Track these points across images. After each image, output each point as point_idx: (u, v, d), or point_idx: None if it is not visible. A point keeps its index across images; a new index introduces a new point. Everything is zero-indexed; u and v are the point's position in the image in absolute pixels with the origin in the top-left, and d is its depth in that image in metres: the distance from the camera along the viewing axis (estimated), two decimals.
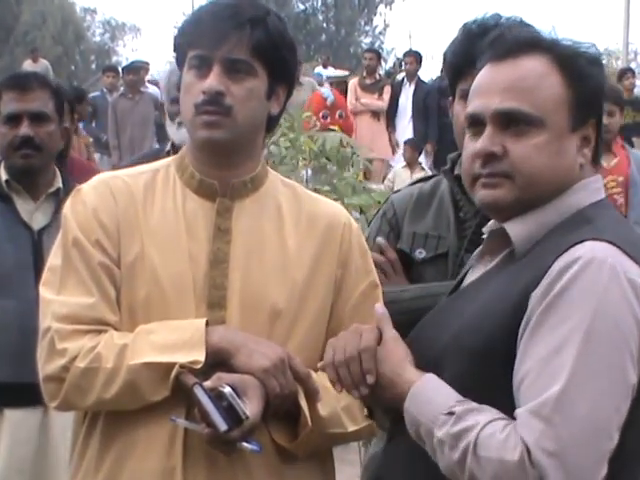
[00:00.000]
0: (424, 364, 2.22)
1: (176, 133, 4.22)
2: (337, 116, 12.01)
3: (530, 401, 2.01)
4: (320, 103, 12.57)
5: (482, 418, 2.04)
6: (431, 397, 2.14)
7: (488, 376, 2.13)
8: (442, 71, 2.92)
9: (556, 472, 1.96)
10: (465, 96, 2.89)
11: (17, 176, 4.10)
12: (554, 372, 2.01)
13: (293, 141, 7.76)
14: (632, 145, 15.41)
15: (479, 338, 2.13)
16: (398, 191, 3.21)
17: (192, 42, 2.54)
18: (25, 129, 4.04)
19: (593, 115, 2.27)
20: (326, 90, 13.03)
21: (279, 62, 2.55)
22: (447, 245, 2.91)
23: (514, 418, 2.03)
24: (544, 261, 2.10)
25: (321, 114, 12.13)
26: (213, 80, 2.47)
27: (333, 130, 9.46)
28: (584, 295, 2.04)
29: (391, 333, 2.28)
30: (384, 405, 2.33)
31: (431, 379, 2.17)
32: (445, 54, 3.07)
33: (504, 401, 2.07)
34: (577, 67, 2.24)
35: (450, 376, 2.16)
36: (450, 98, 3.06)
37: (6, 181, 4.06)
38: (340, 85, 15.18)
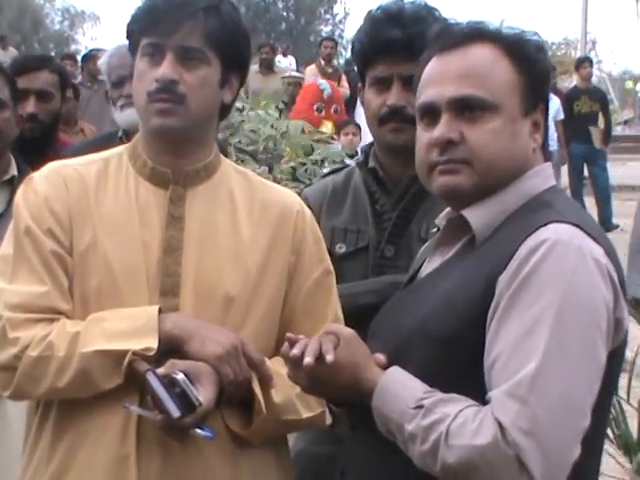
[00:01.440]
0: (387, 356, 2.23)
1: (120, 116, 4.17)
2: (332, 111, 11.84)
3: (503, 382, 2.02)
4: (316, 95, 12.32)
5: (452, 408, 2.05)
6: (398, 392, 2.14)
7: (456, 362, 2.14)
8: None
9: (533, 451, 1.98)
10: (375, 83, 2.93)
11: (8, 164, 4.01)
12: (527, 353, 2.03)
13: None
14: (589, 134, 15.58)
15: (446, 325, 2.14)
16: (310, 184, 3.21)
17: (145, 29, 2.53)
18: (32, 106, 4.02)
19: (541, 100, 2.30)
20: (324, 82, 12.84)
21: (232, 51, 2.55)
22: (367, 238, 2.92)
23: (483, 403, 2.04)
24: (508, 245, 2.12)
25: (315, 107, 11.92)
26: (166, 68, 2.47)
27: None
28: (553, 276, 2.06)
29: (348, 333, 2.27)
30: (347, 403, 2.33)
31: (396, 373, 2.18)
32: (353, 42, 3.09)
33: (472, 387, 2.09)
34: (525, 53, 2.27)
35: (416, 365, 2.17)
36: (360, 85, 3.06)
37: None
38: (296, 86, 15.00)
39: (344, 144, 10.67)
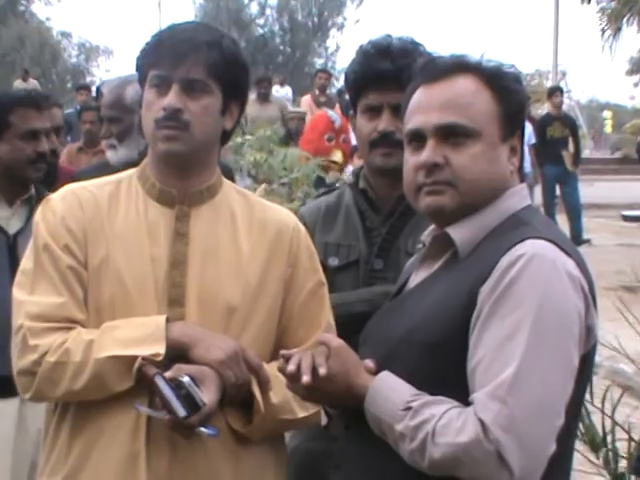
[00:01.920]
0: (377, 361, 2.23)
1: (110, 154, 4.10)
2: (341, 140, 11.81)
3: (485, 385, 2.04)
4: (328, 125, 12.27)
5: (437, 410, 2.06)
6: (388, 395, 2.14)
7: (441, 367, 2.14)
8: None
9: (512, 447, 1.99)
10: (367, 110, 2.93)
11: (28, 186, 4.02)
12: (507, 357, 2.04)
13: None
14: (561, 158, 15.63)
15: (432, 333, 2.15)
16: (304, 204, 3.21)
17: (153, 63, 2.54)
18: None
19: (518, 127, 2.31)
20: (334, 113, 12.76)
21: (232, 81, 2.55)
22: (357, 252, 2.91)
23: (466, 404, 2.05)
24: (489, 259, 2.13)
25: (326, 136, 11.86)
26: (172, 98, 2.47)
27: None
28: (530, 288, 2.07)
29: (337, 343, 2.26)
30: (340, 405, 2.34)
31: (386, 378, 2.18)
32: (346, 74, 3.08)
33: (456, 390, 2.09)
34: (504, 85, 2.28)
35: (405, 370, 2.17)
36: (352, 112, 3.06)
37: None
38: (300, 120, 14.90)
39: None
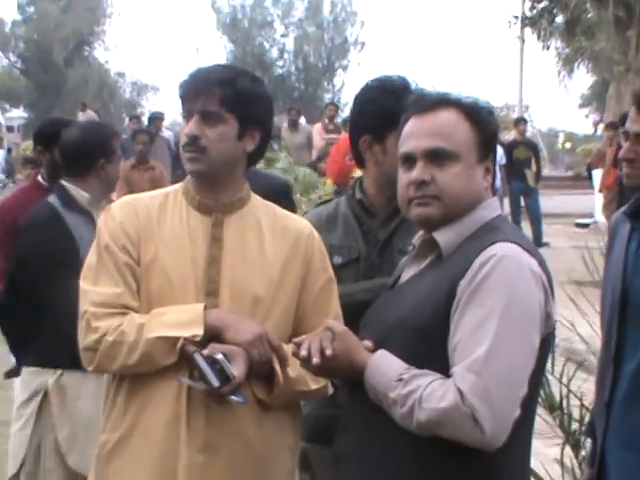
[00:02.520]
0: (375, 342, 2.23)
1: None
2: None
3: (463, 361, 2.06)
4: (349, 148, 12.09)
5: (423, 381, 2.08)
6: (384, 370, 2.15)
7: (427, 347, 2.15)
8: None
9: (485, 411, 2.02)
10: (382, 139, 2.90)
11: None
12: (480, 338, 2.06)
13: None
14: (525, 176, 15.62)
15: (420, 319, 2.16)
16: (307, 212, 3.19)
17: (182, 98, 2.57)
18: None
19: (491, 151, 2.33)
20: None
21: (247, 111, 2.53)
22: (357, 251, 2.90)
23: (447, 377, 2.07)
24: (467, 259, 2.15)
25: (348, 157, 11.75)
26: (191, 126, 2.50)
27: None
28: (499, 282, 2.10)
29: (340, 328, 2.27)
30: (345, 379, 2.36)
31: (382, 355, 2.19)
32: (357, 108, 3.04)
33: (439, 365, 2.11)
34: (480, 117, 2.29)
35: (398, 350, 2.18)
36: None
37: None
38: (330, 146, 14.60)
39: None
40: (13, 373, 3.99)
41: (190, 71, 2.62)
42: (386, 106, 2.90)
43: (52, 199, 3.86)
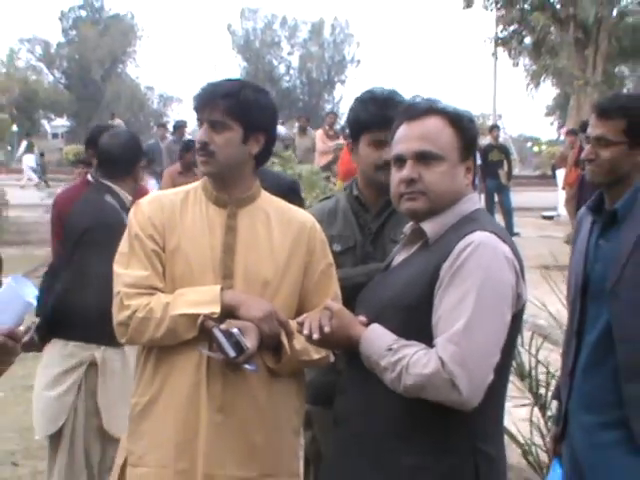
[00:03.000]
0: (369, 317, 2.23)
1: None
2: None
3: (444, 333, 2.07)
4: None
5: (410, 350, 2.09)
6: (376, 341, 2.16)
7: (414, 323, 2.15)
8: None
9: (462, 376, 2.03)
10: (374, 143, 2.85)
11: None
12: (459, 314, 2.07)
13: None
14: (498, 175, 15.60)
15: (409, 297, 2.17)
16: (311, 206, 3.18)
17: (195, 109, 2.56)
18: None
19: (471, 153, 2.31)
20: None
21: (251, 119, 2.50)
22: (354, 240, 2.88)
23: (431, 347, 2.08)
24: (449, 245, 2.15)
25: None
26: (202, 134, 2.50)
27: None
28: (476, 266, 2.10)
29: (337, 307, 2.28)
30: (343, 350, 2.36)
31: (375, 329, 2.19)
32: (350, 116, 2.99)
33: (424, 337, 2.11)
34: (462, 124, 2.27)
35: (389, 324, 2.18)
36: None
37: None
38: (341, 149, 14.46)
39: None
40: (35, 348, 3.92)
41: (202, 85, 2.61)
42: (357, 115, 2.92)
43: (109, 199, 3.88)
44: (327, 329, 2.18)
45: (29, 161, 27.13)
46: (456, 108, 2.32)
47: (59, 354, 3.79)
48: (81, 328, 3.66)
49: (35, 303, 2.01)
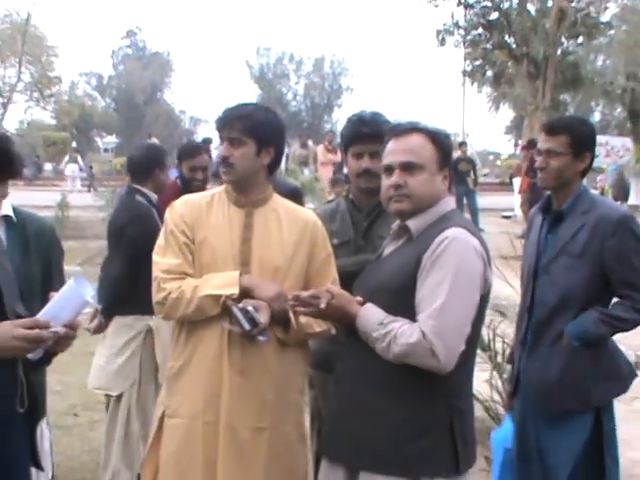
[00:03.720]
0: (364, 298, 2.22)
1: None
2: None
3: (425, 310, 2.07)
4: None
5: (397, 324, 2.09)
6: (369, 317, 2.15)
7: (401, 302, 2.14)
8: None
9: (439, 345, 2.04)
10: (355, 155, 2.84)
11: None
12: (437, 295, 2.07)
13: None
14: (466, 182, 15.55)
15: (396, 282, 2.16)
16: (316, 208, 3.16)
17: (217, 129, 2.56)
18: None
19: (448, 164, 2.30)
20: None
21: (262, 135, 2.49)
22: (349, 236, 2.85)
23: (414, 322, 2.08)
24: (429, 239, 2.14)
25: None
26: (223, 149, 2.50)
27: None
28: (451, 256, 2.09)
29: (337, 290, 2.28)
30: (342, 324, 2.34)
31: (369, 307, 2.19)
32: (341, 133, 2.99)
33: (409, 315, 2.11)
34: (440, 139, 2.27)
35: (379, 304, 2.18)
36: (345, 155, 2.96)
37: None
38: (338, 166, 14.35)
39: None
40: (102, 328, 3.92)
41: (226, 108, 2.59)
42: (345, 132, 2.92)
43: (139, 198, 3.87)
44: (322, 305, 2.19)
45: (71, 170, 27.56)
46: (434, 127, 2.31)
47: (121, 327, 3.80)
48: (136, 304, 3.63)
49: (92, 301, 1.96)
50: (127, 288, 3.71)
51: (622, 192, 16.78)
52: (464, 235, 2.14)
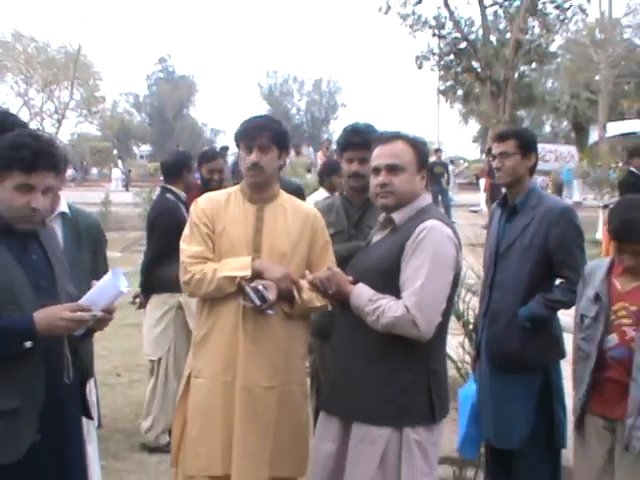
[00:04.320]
0: (355, 279, 2.21)
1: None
2: None
3: (408, 289, 2.06)
4: None
5: (385, 301, 2.08)
6: (361, 295, 2.14)
7: (388, 282, 2.12)
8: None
9: (420, 317, 2.03)
10: (347, 160, 2.83)
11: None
12: (418, 276, 2.05)
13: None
14: (441, 182, 15.45)
15: (383, 265, 2.15)
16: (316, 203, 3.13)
17: (241, 138, 2.48)
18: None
19: (425, 166, 2.27)
20: None
21: (281, 143, 2.47)
22: (343, 226, 2.84)
23: (399, 299, 2.07)
24: (411, 229, 2.13)
25: None
26: (254, 156, 2.43)
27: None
28: (429, 243, 2.08)
29: (336, 269, 2.27)
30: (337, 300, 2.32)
31: (360, 286, 2.17)
32: (337, 141, 2.97)
33: (394, 293, 2.09)
34: (418, 146, 2.25)
35: (370, 284, 2.16)
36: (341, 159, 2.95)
37: None
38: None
39: None
40: (143, 305, 3.93)
41: (246, 120, 2.52)
42: (339, 140, 2.91)
43: (169, 196, 3.86)
44: (331, 292, 2.21)
45: (116, 173, 27.95)
46: (414, 135, 2.30)
47: (157, 304, 3.82)
48: (167, 283, 3.62)
49: (125, 292, 1.96)
50: (159, 270, 3.71)
51: (557, 190, 17.20)
52: (440, 226, 2.12)
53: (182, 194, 3.88)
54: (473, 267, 3.98)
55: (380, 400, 2.10)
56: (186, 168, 3.92)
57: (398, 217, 2.20)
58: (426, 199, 2.27)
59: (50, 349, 1.87)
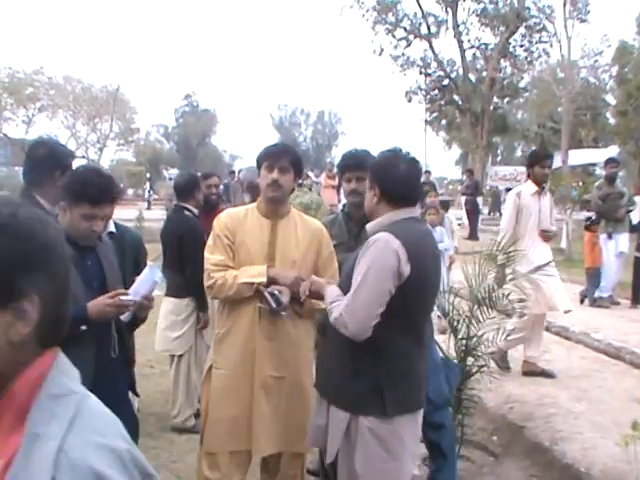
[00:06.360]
0: (345, 283, 2.09)
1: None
2: None
3: (347, 295, 1.99)
4: None
5: (336, 303, 2.02)
6: (327, 295, 2.09)
7: (348, 286, 2.03)
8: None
9: (349, 320, 1.94)
10: (346, 180, 2.81)
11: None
12: (354, 284, 1.97)
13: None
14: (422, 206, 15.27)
15: (351, 272, 2.03)
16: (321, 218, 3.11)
17: (265, 158, 2.45)
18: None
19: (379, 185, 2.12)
20: None
21: (297, 166, 2.47)
22: (345, 238, 2.81)
23: None
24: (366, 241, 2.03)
25: None
26: (275, 174, 2.41)
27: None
28: (369, 254, 1.96)
29: (315, 279, 2.24)
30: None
31: (331, 288, 2.12)
32: (338, 164, 2.93)
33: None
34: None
35: (344, 287, 2.07)
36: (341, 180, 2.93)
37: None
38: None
39: None
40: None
41: (270, 145, 2.52)
42: (339, 163, 2.89)
43: (186, 213, 3.84)
44: (302, 297, 2.22)
45: (149, 194, 28.37)
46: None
47: (181, 307, 3.81)
48: (189, 290, 3.69)
49: (160, 282, 2.15)
50: (180, 276, 3.71)
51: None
52: (387, 238, 1.95)
53: (195, 210, 3.89)
54: (459, 273, 3.95)
55: (343, 389, 2.06)
56: (196, 188, 3.92)
57: (370, 228, 2.10)
58: (409, 212, 2.07)
59: (100, 331, 2.05)
